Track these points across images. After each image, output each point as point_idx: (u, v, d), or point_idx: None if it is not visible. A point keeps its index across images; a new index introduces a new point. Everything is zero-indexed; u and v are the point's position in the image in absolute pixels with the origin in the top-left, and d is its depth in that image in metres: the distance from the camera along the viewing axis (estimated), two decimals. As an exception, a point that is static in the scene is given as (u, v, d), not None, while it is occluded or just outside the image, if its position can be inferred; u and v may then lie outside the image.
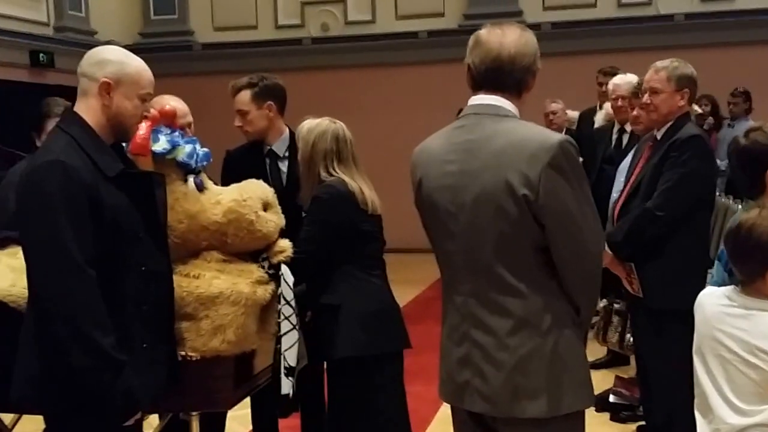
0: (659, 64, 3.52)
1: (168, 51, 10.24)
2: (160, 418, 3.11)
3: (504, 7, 10.01)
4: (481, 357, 2.19)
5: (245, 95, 3.39)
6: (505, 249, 2.14)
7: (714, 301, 2.23)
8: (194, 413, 2.75)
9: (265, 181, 2.95)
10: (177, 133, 2.69)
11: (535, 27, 9.72)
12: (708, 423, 2.17)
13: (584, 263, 2.18)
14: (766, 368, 2.06)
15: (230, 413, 3.45)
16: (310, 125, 3.11)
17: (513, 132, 2.16)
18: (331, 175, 3.05)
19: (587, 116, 6.23)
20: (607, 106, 5.32)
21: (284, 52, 10.29)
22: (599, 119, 5.76)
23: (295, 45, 10.51)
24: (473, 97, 2.23)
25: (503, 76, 2.18)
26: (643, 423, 4.09)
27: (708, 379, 2.18)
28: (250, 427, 4.10)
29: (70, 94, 2.53)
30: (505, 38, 2.18)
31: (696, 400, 2.23)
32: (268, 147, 3.44)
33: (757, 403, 2.08)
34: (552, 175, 2.08)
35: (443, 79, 9.90)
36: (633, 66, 5.25)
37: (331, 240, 2.99)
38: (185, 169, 2.68)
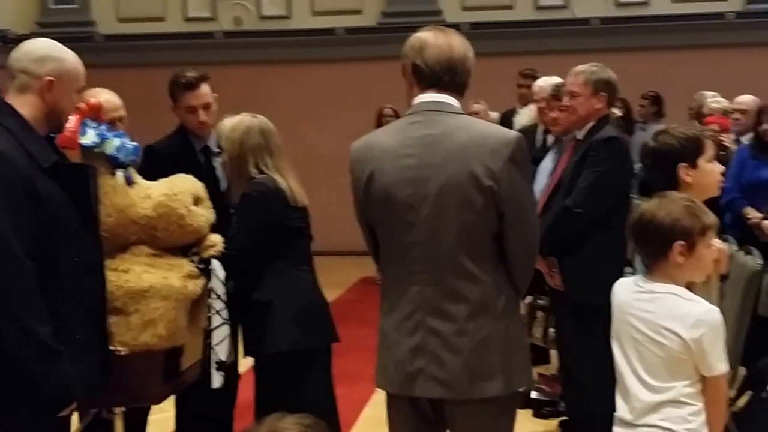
0: (578, 68, 3.80)
1: (68, 42, 10.06)
2: (80, 418, 3.17)
3: (423, 6, 10.26)
4: (439, 344, 2.39)
5: (207, 87, 3.45)
6: (467, 238, 2.37)
7: (625, 289, 2.48)
8: (117, 411, 2.84)
9: (199, 176, 3.04)
10: (104, 127, 2.78)
11: (454, 27, 10.03)
12: (626, 403, 2.41)
13: (529, 248, 2.47)
14: (670, 345, 2.30)
15: (150, 417, 3.55)
16: (233, 123, 3.20)
17: (472, 127, 2.41)
18: (261, 171, 3.16)
19: (508, 118, 6.51)
20: (533, 107, 5.59)
21: (194, 46, 10.26)
22: (520, 121, 6.03)
23: (206, 39, 10.50)
24: (423, 95, 2.44)
25: (455, 76, 2.42)
26: (565, 418, 4.36)
27: (624, 361, 2.42)
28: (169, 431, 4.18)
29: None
30: (453, 41, 2.43)
31: (617, 385, 2.47)
32: (203, 143, 3.53)
33: (667, 379, 2.32)
34: (511, 168, 2.34)
35: (361, 77, 10.10)
36: (551, 68, 5.54)
37: (262, 237, 3.11)
38: (114, 163, 2.77)
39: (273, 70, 10.31)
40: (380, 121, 8.80)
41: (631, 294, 2.43)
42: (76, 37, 10.44)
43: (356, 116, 8.65)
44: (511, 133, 2.43)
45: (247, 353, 3.23)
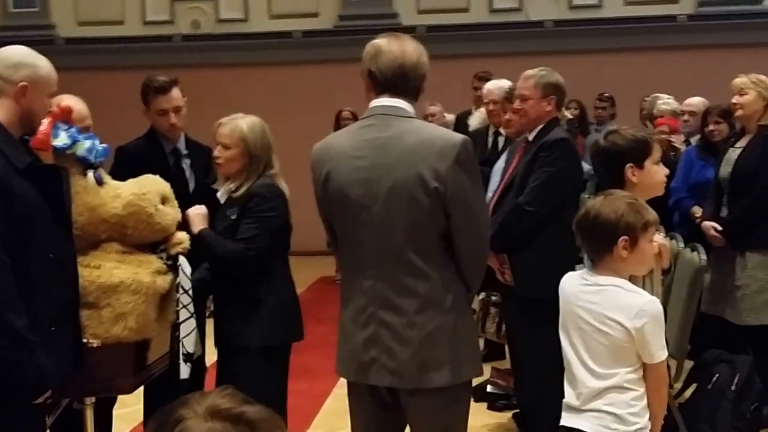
0: (528, 72, 3.99)
1: (28, 45, 10.08)
2: (50, 412, 3.28)
3: (379, 9, 10.43)
4: (390, 336, 2.55)
5: (178, 91, 3.61)
6: (415, 236, 2.53)
7: (572, 282, 2.65)
8: (88, 402, 2.97)
9: (168, 177, 3.18)
10: (75, 129, 2.90)
11: (410, 30, 10.20)
12: (573, 390, 2.58)
13: (478, 246, 2.63)
14: (614, 334, 2.47)
15: (116, 412, 3.66)
16: (250, 121, 3.33)
17: (421, 131, 2.58)
18: (267, 169, 3.32)
19: (463, 119, 6.69)
20: (483, 110, 5.77)
21: (152, 49, 10.32)
22: (472, 123, 6.20)
23: (165, 42, 10.57)
24: (377, 100, 2.61)
25: (407, 81, 2.59)
26: (518, 411, 4.54)
27: (571, 350, 2.59)
28: (135, 425, 4.29)
29: None
30: (406, 48, 2.59)
31: (565, 373, 2.64)
32: (172, 145, 3.68)
33: (612, 366, 2.49)
34: (457, 170, 2.50)
35: (318, 80, 10.23)
36: (506, 70, 5.72)
37: (276, 236, 3.29)
38: (84, 164, 2.89)
39: (231, 73, 10.41)
40: (339, 124, 8.94)
41: (577, 287, 2.60)
42: (36, 40, 10.43)
43: (314, 119, 8.80)
44: (458, 137, 2.60)
45: (226, 345, 3.37)
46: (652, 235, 2.58)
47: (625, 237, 2.50)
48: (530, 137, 3.96)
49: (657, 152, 2.93)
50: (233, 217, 3.27)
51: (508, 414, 4.72)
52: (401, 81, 2.58)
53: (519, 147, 4.11)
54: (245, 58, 10.41)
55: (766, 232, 4.37)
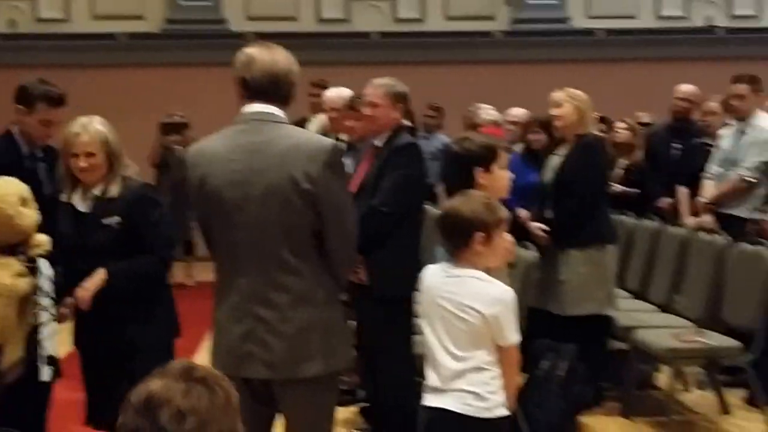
0: (378, 81, 4.21)
1: None
2: None
3: (207, 15, 10.41)
4: (265, 330, 2.67)
5: None
6: (289, 235, 2.66)
7: (434, 274, 2.87)
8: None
9: (24, 180, 3.13)
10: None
11: (238, 36, 10.24)
12: (434, 372, 2.79)
13: (347, 243, 2.82)
14: (472, 320, 2.71)
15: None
16: (100, 121, 3.29)
17: (293, 136, 2.72)
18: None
19: (300, 126, 6.79)
20: (322, 117, 5.93)
21: (-34, 48, 9.81)
22: (312, 129, 6.34)
23: (-22, 40, 10.07)
24: (250, 106, 2.73)
25: (279, 89, 2.72)
26: (366, 404, 4.70)
27: (433, 337, 2.80)
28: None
29: None
30: (277, 56, 2.73)
31: (426, 360, 2.84)
32: (30, 149, 3.61)
33: (470, 349, 2.72)
34: (327, 172, 2.66)
35: (144, 84, 10.06)
36: (333, 79, 5.94)
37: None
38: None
39: (50, 73, 9.92)
40: (166, 129, 8.85)
41: (439, 279, 2.82)
42: None
43: (139, 123, 8.65)
44: (328, 141, 2.78)
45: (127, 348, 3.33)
46: (503, 232, 2.84)
47: (481, 233, 2.73)
48: (378, 143, 4.17)
49: (503, 158, 3.21)
50: (115, 226, 3.23)
51: (353, 409, 4.89)
52: (273, 88, 2.70)
53: (367, 152, 4.30)
54: (66, 59, 10.06)
55: (586, 231, 4.80)
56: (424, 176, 4.18)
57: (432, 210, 4.75)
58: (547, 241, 4.88)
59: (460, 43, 10.58)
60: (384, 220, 3.98)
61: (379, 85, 4.17)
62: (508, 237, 2.98)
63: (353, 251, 2.90)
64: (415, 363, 4.02)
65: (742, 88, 5.69)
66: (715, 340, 4.70)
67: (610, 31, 10.76)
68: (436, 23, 10.79)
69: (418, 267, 3.30)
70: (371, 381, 4.41)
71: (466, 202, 2.78)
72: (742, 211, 5.58)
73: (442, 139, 7.46)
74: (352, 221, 2.86)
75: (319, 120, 6.18)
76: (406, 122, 4.39)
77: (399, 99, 4.15)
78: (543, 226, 4.90)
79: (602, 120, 7.15)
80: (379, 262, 3.99)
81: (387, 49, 10.41)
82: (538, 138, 5.85)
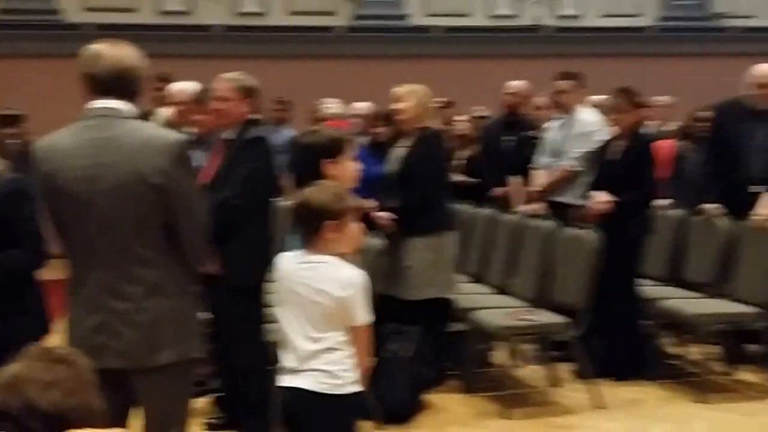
0: (228, 75, 4.30)
1: None
2: None
3: (40, 4, 10.06)
4: (119, 321, 2.75)
5: None
6: (140, 228, 2.74)
7: (289, 261, 3.00)
8: None
9: None
10: None
11: (75, 27, 9.97)
12: (290, 353, 2.93)
13: (198, 234, 2.91)
14: (326, 303, 2.86)
15: None
16: None
17: (140, 131, 2.79)
18: None
19: (144, 119, 6.73)
20: (166, 110, 5.91)
21: None
22: (157, 122, 6.31)
23: None
24: (96, 101, 2.79)
25: (126, 84, 2.78)
26: (221, 394, 4.77)
27: (289, 321, 2.93)
28: None
29: None
30: (124, 52, 2.79)
31: (281, 343, 2.98)
32: None
33: (325, 331, 2.88)
34: (176, 166, 2.75)
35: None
36: (176, 72, 5.95)
37: None
38: None
39: None
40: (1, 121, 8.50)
41: (293, 265, 2.97)
42: None
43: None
44: (175, 136, 2.87)
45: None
46: (353, 220, 3.01)
47: (331, 221, 2.90)
48: (229, 136, 4.26)
49: (350, 150, 3.39)
50: None
51: (208, 399, 4.94)
52: (121, 84, 2.77)
53: (217, 145, 4.38)
54: None
55: (427, 219, 5.07)
56: (273, 169, 4.31)
57: (281, 202, 4.88)
58: (392, 229, 5.11)
59: (303, 38, 10.71)
60: (235, 211, 4.08)
61: (229, 79, 4.26)
62: (357, 225, 3.16)
63: (204, 243, 3.00)
64: (268, 352, 4.16)
65: (567, 84, 6.14)
66: (546, 317, 5.09)
67: (447, 29, 11.18)
68: (278, 17, 10.86)
69: (269, 257, 3.44)
70: (225, 371, 4.51)
71: (317, 192, 2.94)
72: (569, 198, 6.02)
73: (289, 132, 7.58)
74: (202, 213, 2.96)
75: (164, 113, 6.16)
76: (256, 116, 4.49)
77: (248, 93, 4.26)
78: (388, 215, 5.13)
79: (448, 104, 7.53)
80: (231, 252, 4.08)
81: (229, 43, 10.41)
82: (382, 131, 6.10)
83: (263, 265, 4.06)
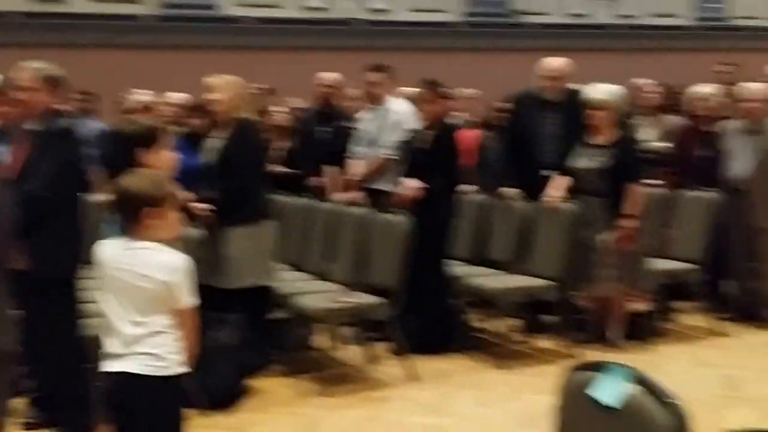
0: (26, 64, 4.19)
1: None
2: None
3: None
4: None
5: None
6: None
7: (111, 248, 3.00)
8: None
9: None
10: None
11: None
12: (114, 339, 2.93)
13: (2, 230, 2.83)
14: (151, 287, 2.89)
15: None
16: None
17: None
18: None
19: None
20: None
21: None
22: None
23: None
24: None
25: None
26: (37, 394, 4.61)
27: (112, 307, 2.94)
28: None
29: None
30: None
31: (104, 330, 2.98)
32: None
33: (150, 315, 2.91)
34: None
35: None
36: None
37: None
38: None
39: None
40: None
41: (115, 252, 2.97)
42: None
43: None
44: None
45: None
46: (172, 207, 3.06)
47: (150, 207, 2.93)
48: (31, 127, 4.15)
49: (166, 139, 3.43)
50: None
51: (24, 399, 4.78)
52: None
53: (20, 137, 4.25)
54: None
55: (245, 209, 5.14)
56: (81, 161, 4.24)
57: (91, 195, 4.79)
58: (210, 219, 5.14)
59: (108, 26, 10.39)
60: (42, 204, 3.99)
61: (29, 68, 4.14)
62: (176, 213, 3.20)
63: (10, 238, 2.96)
64: (84, 347, 4.11)
65: (378, 76, 6.39)
66: (363, 299, 5.31)
67: (258, 20, 11.18)
68: (81, 4, 10.45)
69: (78, 250, 3.42)
70: (39, 369, 4.40)
71: (137, 179, 2.97)
72: (384, 186, 6.28)
73: (95, 124, 7.39)
74: (7, 208, 2.93)
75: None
76: (60, 106, 4.39)
77: (51, 83, 4.16)
78: (206, 206, 5.15)
79: (270, 91, 7.61)
80: (39, 245, 4.00)
81: (28, 30, 9.94)
82: (197, 122, 6.09)
83: (73, 258, 4.01)
